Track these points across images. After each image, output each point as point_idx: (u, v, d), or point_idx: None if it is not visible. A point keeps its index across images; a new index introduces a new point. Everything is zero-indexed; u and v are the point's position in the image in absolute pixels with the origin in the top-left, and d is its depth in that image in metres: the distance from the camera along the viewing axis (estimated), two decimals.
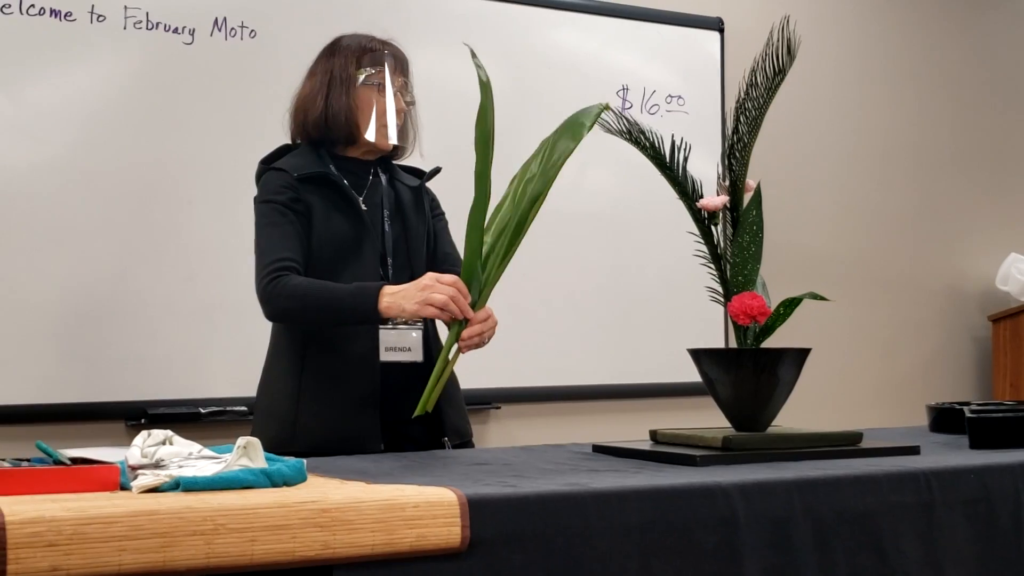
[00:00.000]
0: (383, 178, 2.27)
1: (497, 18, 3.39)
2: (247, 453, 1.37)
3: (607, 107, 1.94)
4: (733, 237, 1.91)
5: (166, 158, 2.92)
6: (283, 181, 2.17)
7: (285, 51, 3.05)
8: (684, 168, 1.94)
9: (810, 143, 3.93)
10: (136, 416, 2.84)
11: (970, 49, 4.26)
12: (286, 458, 1.45)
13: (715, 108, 3.71)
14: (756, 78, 1.91)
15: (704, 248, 1.93)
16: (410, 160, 2.35)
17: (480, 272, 1.95)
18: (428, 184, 2.35)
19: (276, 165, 2.21)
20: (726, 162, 1.94)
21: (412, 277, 2.12)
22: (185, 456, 1.40)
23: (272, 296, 2.07)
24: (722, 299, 1.94)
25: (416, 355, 2.16)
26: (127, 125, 2.88)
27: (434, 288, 1.95)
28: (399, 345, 2.14)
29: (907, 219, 4.13)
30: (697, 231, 1.93)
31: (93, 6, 2.83)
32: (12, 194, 2.77)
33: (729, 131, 1.94)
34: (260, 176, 2.24)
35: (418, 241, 2.25)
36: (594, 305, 3.54)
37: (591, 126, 1.93)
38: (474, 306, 1.97)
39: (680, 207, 1.97)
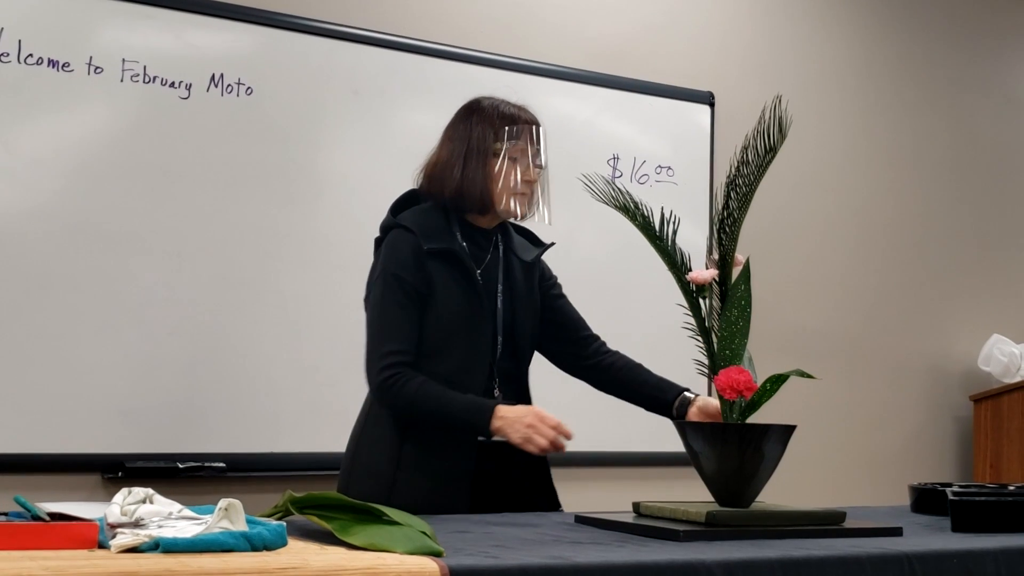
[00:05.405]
0: (500, 248, 2.31)
1: (492, 84, 3.38)
2: (228, 515, 1.35)
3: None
4: (721, 311, 1.92)
5: (157, 211, 2.92)
6: (412, 249, 2.19)
7: (281, 109, 3.08)
8: (674, 240, 1.96)
9: (795, 220, 3.97)
10: (113, 469, 2.80)
11: (954, 131, 4.32)
12: (267, 521, 1.44)
13: (704, 179, 3.74)
14: (747, 155, 1.93)
15: (692, 320, 1.94)
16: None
17: None
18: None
19: (405, 223, 2.22)
20: (716, 236, 1.96)
21: (516, 355, 2.26)
22: (165, 516, 1.38)
23: (386, 394, 2.15)
24: (708, 372, 1.94)
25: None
26: (120, 177, 2.88)
27: (537, 429, 2.10)
28: None
29: (891, 299, 4.15)
30: (685, 303, 1.94)
31: (91, 57, 2.85)
32: (0, 240, 2.76)
33: (719, 206, 1.96)
34: (387, 229, 2.26)
35: (526, 321, 2.31)
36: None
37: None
38: None
39: (667, 277, 1.98)
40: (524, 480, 2.29)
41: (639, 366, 2.43)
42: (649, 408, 2.40)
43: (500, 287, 2.27)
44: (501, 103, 2.32)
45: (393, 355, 2.15)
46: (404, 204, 2.30)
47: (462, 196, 2.24)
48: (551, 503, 2.34)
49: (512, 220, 2.34)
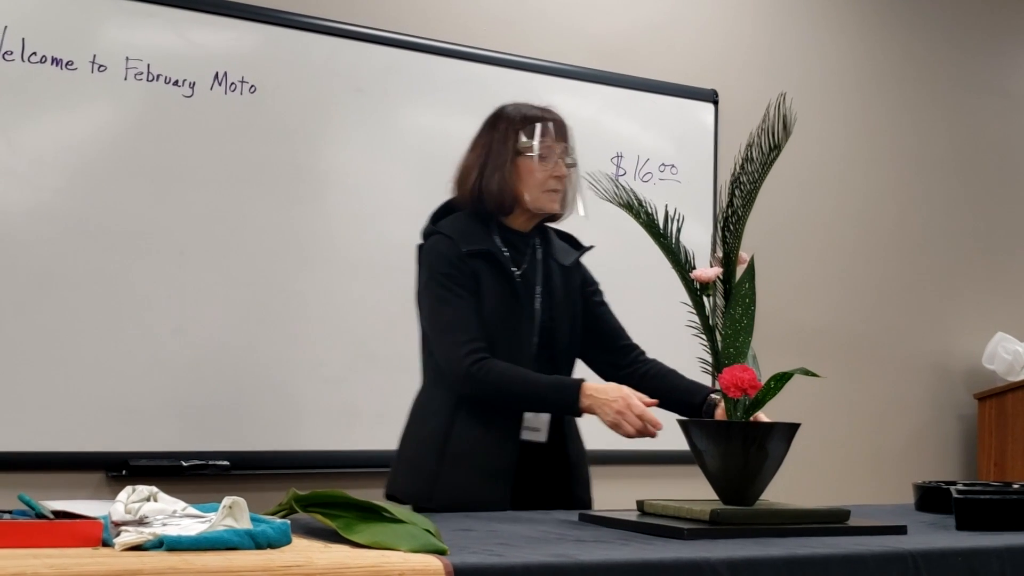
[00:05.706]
0: (539, 252, 2.34)
1: (496, 83, 3.42)
2: (232, 513, 1.35)
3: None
4: (725, 309, 1.92)
5: (160, 209, 2.92)
6: (454, 252, 2.23)
7: (284, 107, 3.08)
8: (678, 238, 1.95)
9: (799, 218, 3.96)
10: (117, 467, 2.80)
11: (957, 129, 4.31)
12: (271, 519, 1.44)
13: (708, 177, 3.74)
14: (752, 153, 1.93)
15: (696, 318, 1.94)
16: (570, 220, 2.40)
17: None
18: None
19: (442, 230, 2.26)
20: (720, 234, 1.96)
21: (552, 359, 2.27)
22: (169, 514, 1.38)
23: (474, 379, 2.17)
24: (712, 370, 1.94)
25: (542, 436, 2.26)
26: (123, 175, 2.88)
27: (625, 417, 2.12)
28: (532, 425, 2.24)
29: (894, 297, 4.15)
30: (689, 301, 1.94)
31: (95, 56, 2.85)
32: (3, 239, 2.76)
33: (723, 204, 1.96)
34: (427, 236, 2.30)
35: (563, 325, 2.33)
36: (582, 369, 3.52)
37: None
38: None
39: (671, 275, 1.98)
40: (565, 478, 2.31)
41: (672, 372, 2.43)
42: (681, 413, 2.39)
43: (539, 289, 2.29)
44: (524, 106, 2.35)
45: (471, 343, 2.18)
46: (444, 213, 2.34)
47: (481, 196, 2.27)
48: (587, 502, 2.36)
49: (549, 222, 2.36)
